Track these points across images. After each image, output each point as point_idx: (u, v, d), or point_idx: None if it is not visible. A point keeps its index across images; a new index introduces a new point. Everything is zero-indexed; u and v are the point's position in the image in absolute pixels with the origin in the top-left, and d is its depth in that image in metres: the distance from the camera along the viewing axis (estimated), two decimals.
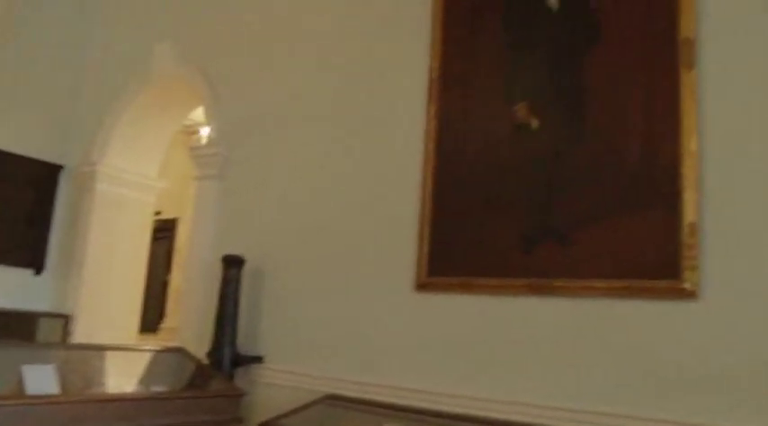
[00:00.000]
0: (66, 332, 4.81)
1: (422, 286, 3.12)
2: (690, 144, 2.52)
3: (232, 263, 3.69)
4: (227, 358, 3.60)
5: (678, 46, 2.59)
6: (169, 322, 7.77)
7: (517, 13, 3.08)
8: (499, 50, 3.09)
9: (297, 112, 3.87)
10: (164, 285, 8.22)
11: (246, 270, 3.72)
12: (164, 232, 7.95)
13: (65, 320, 4.85)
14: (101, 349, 3.65)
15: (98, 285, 4.94)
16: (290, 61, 4.01)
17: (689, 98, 2.54)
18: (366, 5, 3.69)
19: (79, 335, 4.75)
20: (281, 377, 3.53)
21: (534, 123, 2.92)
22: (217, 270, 3.76)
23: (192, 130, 7.46)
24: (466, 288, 2.99)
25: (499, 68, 3.07)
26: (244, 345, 3.70)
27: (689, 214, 2.47)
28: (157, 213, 6.13)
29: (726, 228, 2.43)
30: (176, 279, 7.82)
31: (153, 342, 5.40)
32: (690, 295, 2.43)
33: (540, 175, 2.86)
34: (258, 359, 3.67)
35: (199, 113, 5.61)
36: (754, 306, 2.33)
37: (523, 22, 3.05)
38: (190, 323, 4.08)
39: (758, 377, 2.29)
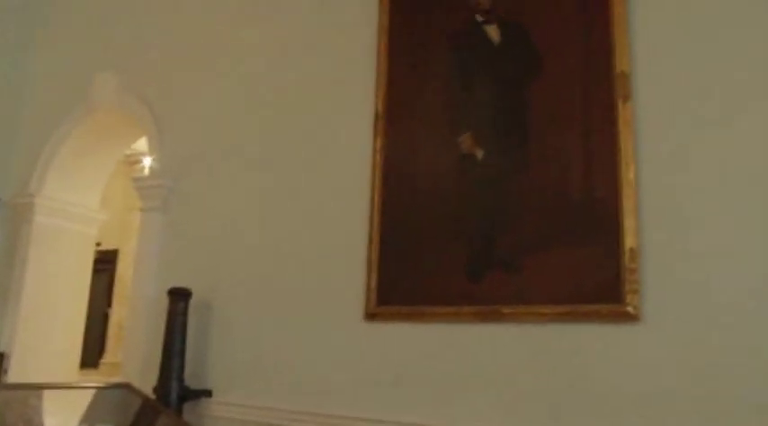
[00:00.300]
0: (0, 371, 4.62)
1: (371, 315, 3.13)
2: (628, 173, 2.62)
3: (178, 296, 3.63)
4: (175, 392, 3.53)
5: (614, 79, 2.70)
6: (110, 356, 7.55)
7: (461, 46, 3.15)
8: (444, 82, 3.16)
9: (241, 144, 3.87)
10: (104, 318, 8.01)
11: (193, 302, 3.67)
12: (104, 263, 7.76)
13: None
14: (40, 388, 3.51)
15: (36, 320, 4.77)
16: (234, 93, 4.01)
17: (626, 129, 2.65)
18: (312, 39, 3.72)
19: (15, 374, 4.56)
20: (231, 411, 3.47)
21: (479, 153, 2.99)
22: (162, 304, 3.69)
23: (133, 160, 7.34)
24: (415, 317, 3.01)
25: (444, 100, 3.14)
26: (192, 379, 3.63)
27: (629, 240, 2.57)
28: (98, 244, 5.97)
29: (665, 253, 2.53)
30: (118, 312, 7.62)
31: (95, 379, 5.23)
32: (632, 318, 2.52)
33: (485, 204, 2.93)
34: (207, 393, 3.61)
35: (141, 143, 5.52)
36: (694, 327, 2.43)
37: (467, 56, 3.12)
38: (134, 358, 3.98)
39: (699, 397, 2.37)
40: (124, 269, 7.71)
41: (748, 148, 2.46)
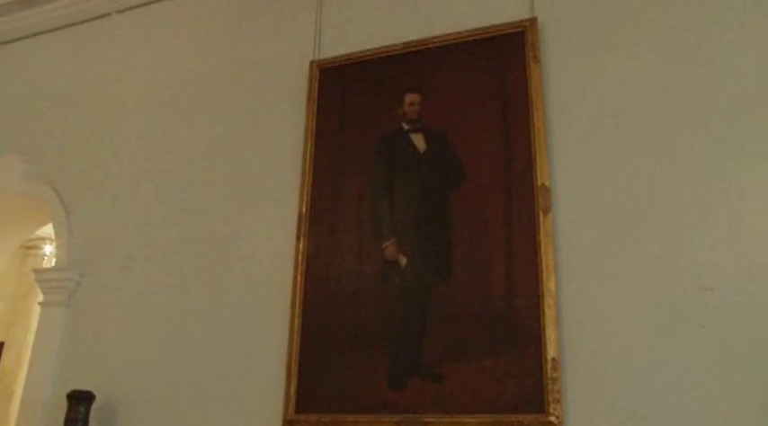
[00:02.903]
0: None
1: (289, 423, 2.99)
2: (549, 283, 2.69)
3: (80, 400, 3.35)
4: None
5: (535, 191, 2.82)
6: None
7: (387, 152, 3.22)
8: (370, 187, 3.19)
9: (156, 239, 3.72)
10: None
11: (96, 407, 3.40)
12: None
13: None
14: None
15: None
16: (151, 186, 3.88)
17: (546, 240, 2.74)
18: (238, 137, 3.69)
19: None
20: None
21: (402, 260, 3.01)
22: (61, 409, 3.40)
23: (31, 245, 6.92)
24: None
25: (369, 205, 3.17)
26: None
27: (551, 349, 2.60)
28: None
29: (586, 362, 2.59)
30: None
31: None
32: None
33: (408, 311, 2.92)
34: None
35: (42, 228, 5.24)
36: None
37: (393, 162, 3.19)
38: None
39: None
40: (9, 364, 7.07)
41: (660, 259, 2.60)
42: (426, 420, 2.72)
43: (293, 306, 3.13)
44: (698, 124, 2.72)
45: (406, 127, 3.20)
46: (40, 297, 4.10)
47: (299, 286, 3.16)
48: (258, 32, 3.84)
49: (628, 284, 2.62)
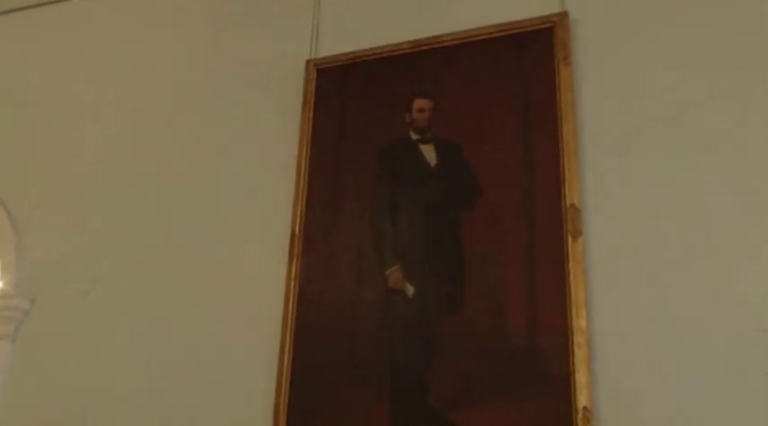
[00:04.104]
0: None
1: None
2: (579, 319, 2.39)
3: None
4: None
5: (563, 212, 2.54)
6: None
7: (393, 165, 2.95)
8: (372, 205, 2.92)
9: (123, 258, 3.34)
10: None
11: None
12: None
13: None
14: None
15: None
16: (116, 197, 3.49)
17: (575, 269, 2.45)
18: (224, 147, 3.37)
19: None
20: None
21: (408, 290, 2.73)
22: None
23: None
24: None
25: (371, 225, 2.89)
26: None
27: (582, 397, 2.30)
28: None
29: (624, 412, 2.31)
30: None
31: None
32: None
33: (414, 348, 2.64)
34: None
35: None
36: None
37: (399, 176, 2.93)
38: None
39: None
40: None
41: (714, 293, 2.32)
42: None
43: (283, 339, 2.82)
44: (757, 139, 2.44)
45: (414, 136, 2.92)
46: None
47: (290, 316, 2.85)
48: (247, 26, 3.53)
49: (673, 322, 2.33)
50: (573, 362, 2.35)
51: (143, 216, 3.40)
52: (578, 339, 2.37)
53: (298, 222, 2.98)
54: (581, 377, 2.32)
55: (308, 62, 3.23)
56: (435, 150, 2.86)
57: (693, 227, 2.41)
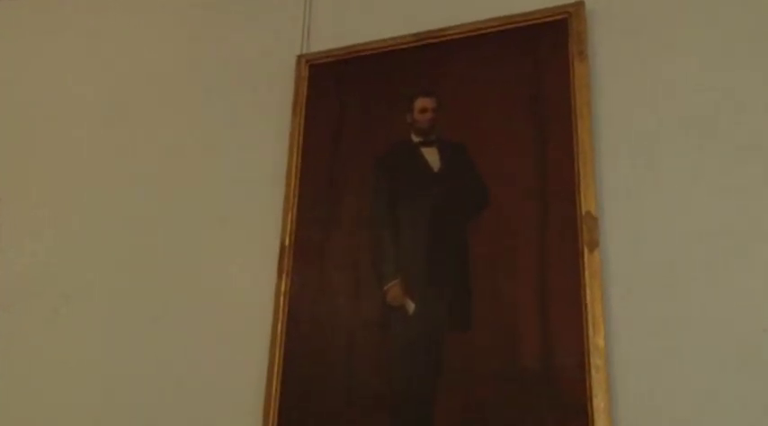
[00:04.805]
0: None
1: None
2: (596, 338, 2.22)
3: None
4: None
5: (579, 222, 2.37)
6: None
7: (392, 170, 2.79)
8: (369, 214, 2.77)
9: (98, 272, 3.15)
10: None
11: None
12: None
13: None
14: None
15: None
16: (91, 205, 3.32)
17: (592, 283, 2.28)
18: (206, 146, 3.20)
19: None
20: None
21: (410, 307, 2.56)
22: None
23: None
24: None
25: (368, 236, 2.73)
26: None
27: (600, 423, 2.13)
28: None
29: None
30: None
31: None
32: None
33: (416, 371, 2.48)
34: None
35: None
36: None
37: (399, 182, 2.76)
38: None
39: None
40: None
41: (746, 308, 2.14)
42: None
43: (271, 362, 2.64)
44: None
45: (415, 139, 2.75)
46: None
47: (279, 336, 2.69)
48: (232, 18, 3.35)
49: (700, 340, 2.16)
50: (590, 385, 2.18)
51: (122, 228, 3.22)
52: (596, 360, 2.20)
53: (288, 233, 2.83)
54: (599, 403, 2.16)
55: (299, 57, 3.07)
56: (439, 153, 2.70)
57: (722, 239, 2.23)
